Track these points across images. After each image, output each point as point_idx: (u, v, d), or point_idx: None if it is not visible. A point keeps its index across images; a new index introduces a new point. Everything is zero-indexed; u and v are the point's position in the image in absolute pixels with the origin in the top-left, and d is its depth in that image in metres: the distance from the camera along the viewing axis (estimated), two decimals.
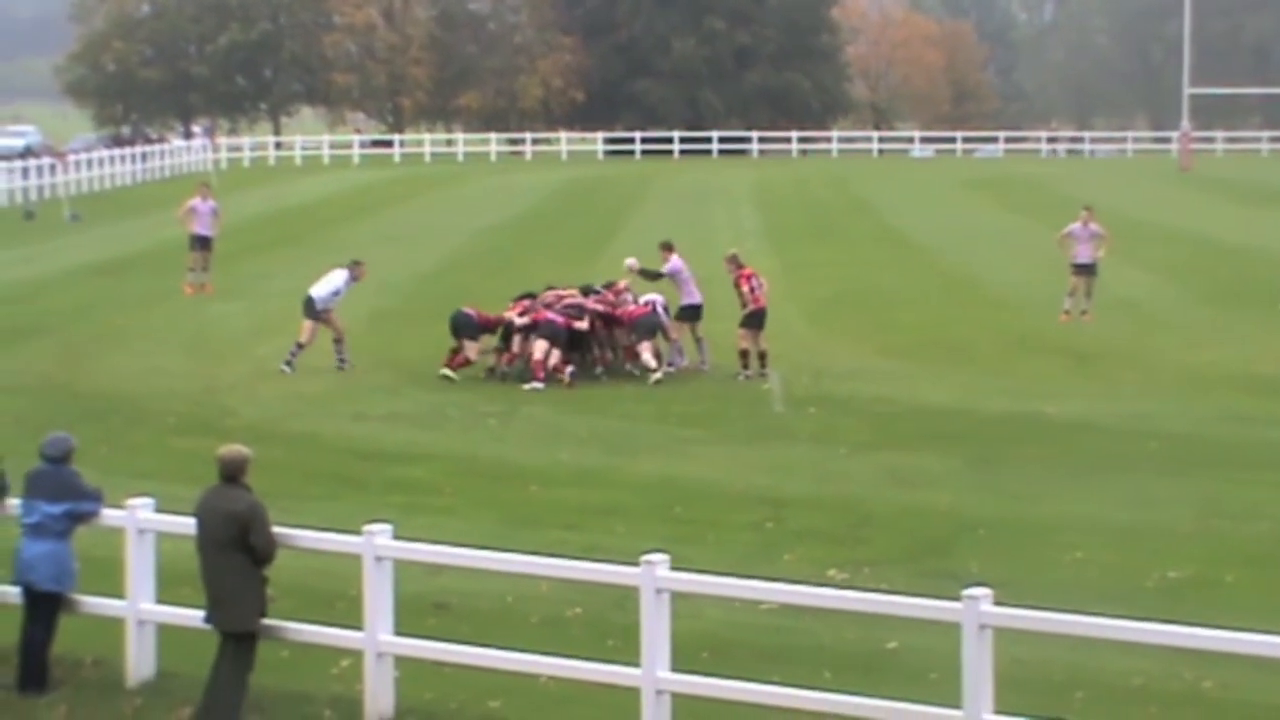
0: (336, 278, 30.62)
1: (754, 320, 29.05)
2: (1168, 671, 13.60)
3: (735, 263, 29.63)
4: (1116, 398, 27.60)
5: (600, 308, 29.75)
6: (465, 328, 29.42)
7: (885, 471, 22.28)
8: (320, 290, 30.36)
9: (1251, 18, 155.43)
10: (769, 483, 21.59)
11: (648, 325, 29.26)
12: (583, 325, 29.19)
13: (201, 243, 41.00)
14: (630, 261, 30.64)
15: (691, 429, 25.28)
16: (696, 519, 19.74)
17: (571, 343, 29.11)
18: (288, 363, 30.05)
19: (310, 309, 30.26)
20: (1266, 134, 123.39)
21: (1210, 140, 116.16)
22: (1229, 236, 53.61)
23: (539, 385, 28.20)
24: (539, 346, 28.65)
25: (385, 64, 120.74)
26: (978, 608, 11.36)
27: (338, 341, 30.42)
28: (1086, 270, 36.05)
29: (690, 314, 29.87)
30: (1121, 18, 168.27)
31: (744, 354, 29.07)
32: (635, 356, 29.39)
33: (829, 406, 26.86)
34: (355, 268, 30.93)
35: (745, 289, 29.10)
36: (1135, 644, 11.71)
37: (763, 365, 29.10)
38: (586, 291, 30.51)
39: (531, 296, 30.12)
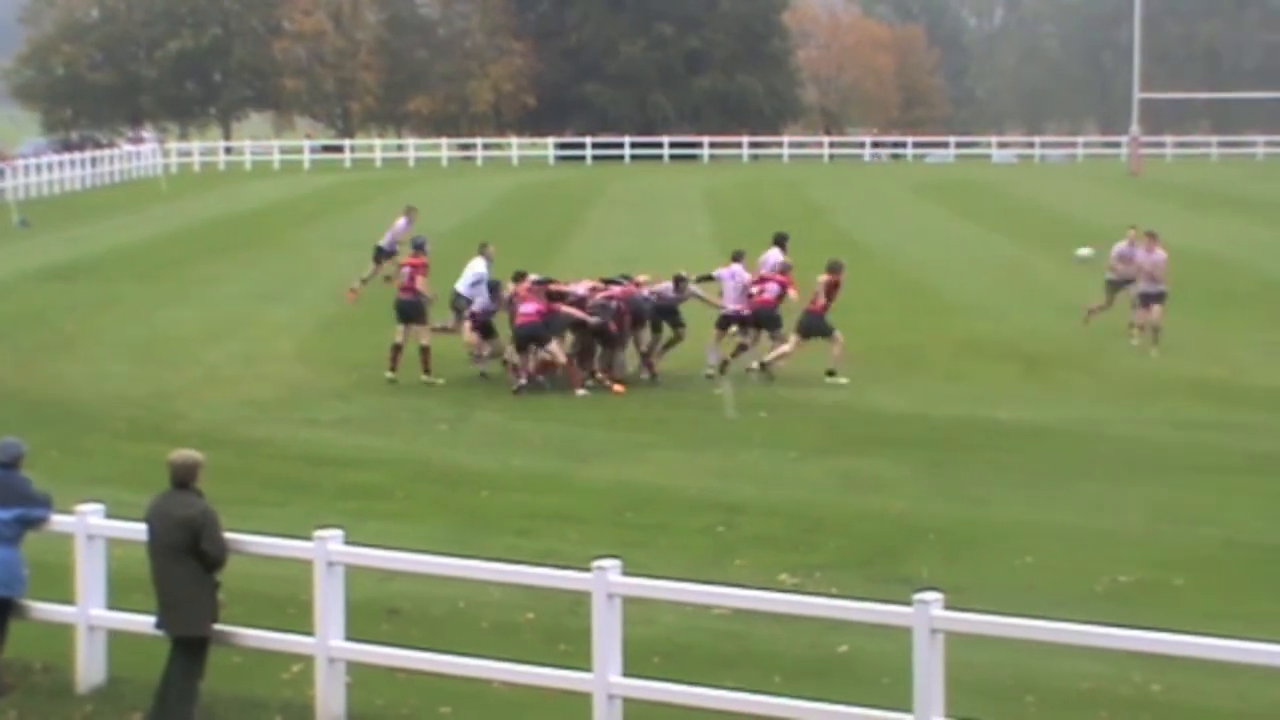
0: (476, 266, 29.95)
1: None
2: (1117, 675, 13.67)
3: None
4: (1068, 403, 27.72)
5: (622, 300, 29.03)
6: (417, 312, 29.26)
7: (837, 476, 22.33)
8: (462, 283, 29.85)
9: (1203, 23, 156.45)
10: (721, 488, 21.61)
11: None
12: (594, 321, 28.74)
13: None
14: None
15: (643, 434, 25.29)
16: (648, 524, 19.75)
17: (583, 338, 28.83)
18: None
19: (457, 302, 29.89)
20: (1216, 139, 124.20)
21: (1160, 145, 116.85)
22: (1178, 241, 53.75)
23: (583, 392, 28.09)
24: (555, 349, 28.36)
25: (334, 69, 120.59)
26: (928, 612, 11.40)
27: (424, 349, 29.59)
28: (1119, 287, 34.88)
29: (723, 322, 30.07)
30: (1071, 23, 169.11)
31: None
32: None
33: (781, 411, 26.91)
34: (485, 249, 30.60)
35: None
36: (1085, 648, 11.76)
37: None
38: (609, 282, 29.99)
39: (550, 282, 29.50)
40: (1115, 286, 34.63)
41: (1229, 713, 13.12)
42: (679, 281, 29.84)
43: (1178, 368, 30.73)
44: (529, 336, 28.37)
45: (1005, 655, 13.66)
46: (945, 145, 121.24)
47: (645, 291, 29.43)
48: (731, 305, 29.91)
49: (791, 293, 29.78)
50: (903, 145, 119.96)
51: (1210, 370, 30.49)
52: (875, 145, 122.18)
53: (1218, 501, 20.64)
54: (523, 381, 28.23)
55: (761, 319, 29.79)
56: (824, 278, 29.63)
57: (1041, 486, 21.58)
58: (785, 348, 29.45)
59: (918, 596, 11.52)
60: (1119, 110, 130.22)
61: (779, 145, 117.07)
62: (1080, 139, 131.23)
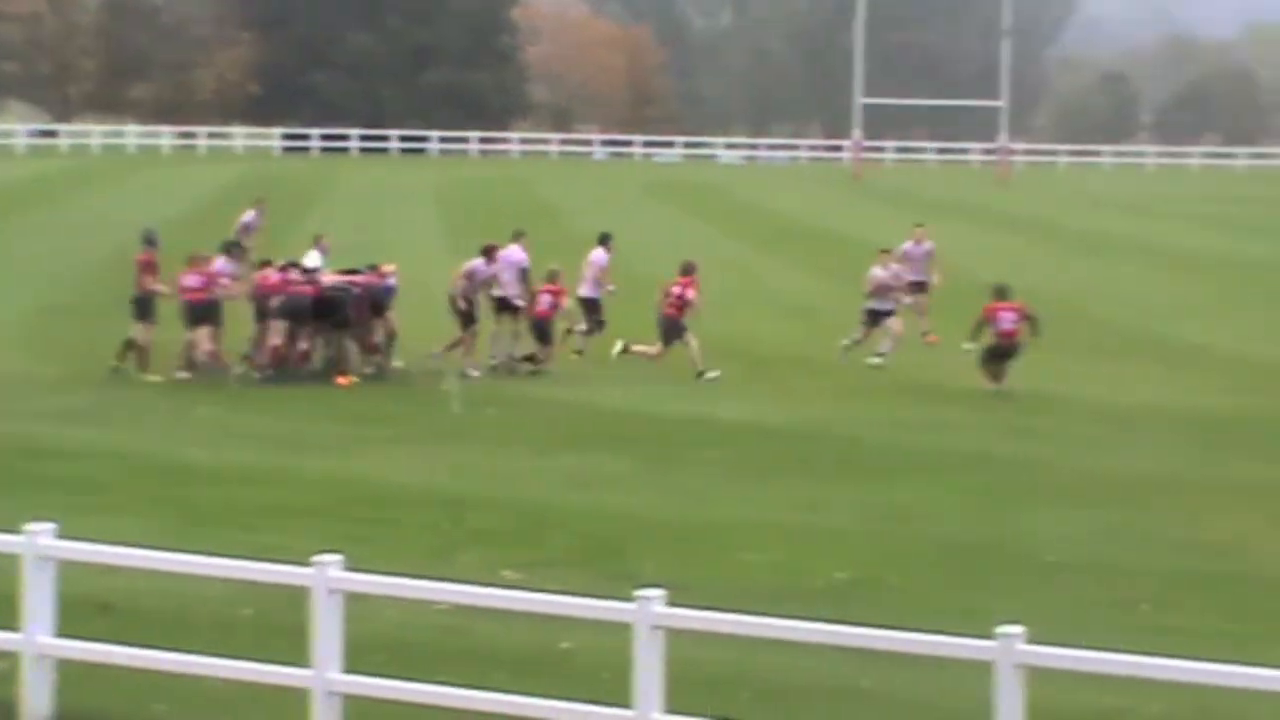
0: (311, 259, 30.33)
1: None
2: (830, 670, 13.87)
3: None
4: (788, 402, 28.12)
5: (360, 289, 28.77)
6: (147, 309, 28.66)
7: (562, 473, 22.38)
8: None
9: (922, 31, 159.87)
10: (446, 483, 21.54)
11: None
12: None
13: None
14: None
15: (369, 428, 25.11)
16: (372, 519, 19.60)
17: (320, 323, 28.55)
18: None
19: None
20: (934, 144, 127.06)
21: (881, 149, 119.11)
22: (894, 243, 54.84)
23: (264, 373, 27.64)
24: (277, 329, 27.89)
25: (51, 53, 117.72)
26: (650, 608, 11.47)
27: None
28: (919, 288, 35.06)
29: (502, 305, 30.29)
30: (797, 26, 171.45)
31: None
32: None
33: (508, 408, 26.91)
34: (320, 241, 31.44)
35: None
36: (801, 643, 11.94)
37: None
38: (352, 272, 29.67)
39: (294, 267, 29.15)
40: (916, 287, 34.63)
41: (935, 706, 13.40)
42: (489, 250, 30.00)
43: (893, 368, 31.30)
44: (202, 314, 27.93)
45: (725, 650, 13.78)
46: (673, 145, 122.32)
47: (391, 281, 29.35)
48: (510, 290, 30.02)
49: (564, 301, 30.05)
50: (631, 144, 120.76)
51: (924, 372, 31.10)
52: (605, 144, 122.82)
53: (930, 499, 21.09)
54: (245, 373, 27.77)
55: (535, 328, 30.01)
56: (683, 280, 30.30)
57: (762, 483, 21.86)
58: (652, 350, 30.04)
59: (639, 593, 11.59)
60: (842, 114, 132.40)
61: (509, 142, 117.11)
62: (804, 142, 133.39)
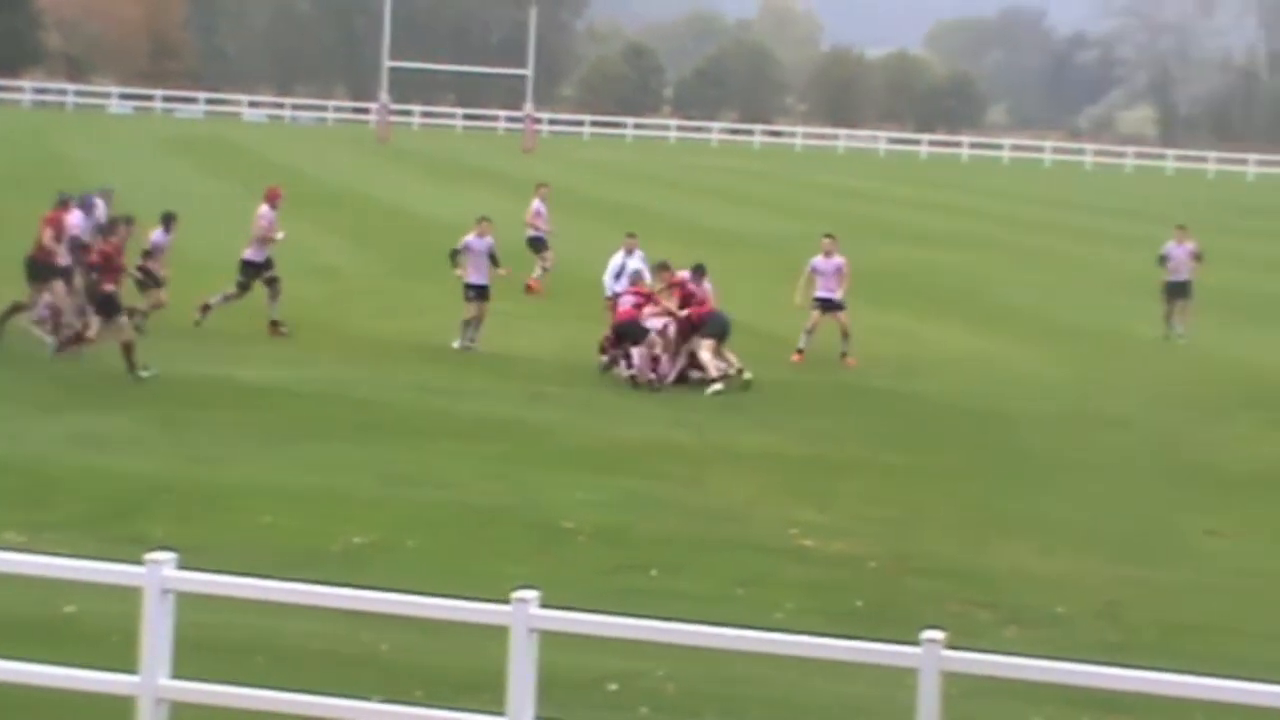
0: (616, 260, 29.89)
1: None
2: (348, 635, 13.83)
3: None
4: (309, 364, 27.88)
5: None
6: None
7: (70, 433, 21.76)
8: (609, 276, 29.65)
9: None
10: None
11: None
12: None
13: None
14: None
15: None
16: None
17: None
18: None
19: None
20: (461, 110, 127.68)
21: (408, 114, 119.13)
22: (420, 208, 55.12)
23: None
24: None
25: None
26: (160, 572, 11.23)
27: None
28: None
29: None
30: None
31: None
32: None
33: (11, 365, 26.04)
34: (630, 240, 30.32)
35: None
36: (318, 608, 11.84)
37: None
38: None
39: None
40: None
41: (452, 669, 13.46)
42: (92, 202, 29.99)
43: (415, 332, 31.37)
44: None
45: (239, 615, 13.59)
46: (196, 101, 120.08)
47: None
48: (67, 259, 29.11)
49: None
50: (152, 99, 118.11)
51: (443, 335, 31.19)
52: (124, 97, 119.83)
53: (446, 464, 21.19)
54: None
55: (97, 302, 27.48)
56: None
57: (280, 446, 21.64)
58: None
59: (149, 557, 11.33)
60: (369, 77, 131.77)
61: (21, 90, 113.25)
62: (331, 103, 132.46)
